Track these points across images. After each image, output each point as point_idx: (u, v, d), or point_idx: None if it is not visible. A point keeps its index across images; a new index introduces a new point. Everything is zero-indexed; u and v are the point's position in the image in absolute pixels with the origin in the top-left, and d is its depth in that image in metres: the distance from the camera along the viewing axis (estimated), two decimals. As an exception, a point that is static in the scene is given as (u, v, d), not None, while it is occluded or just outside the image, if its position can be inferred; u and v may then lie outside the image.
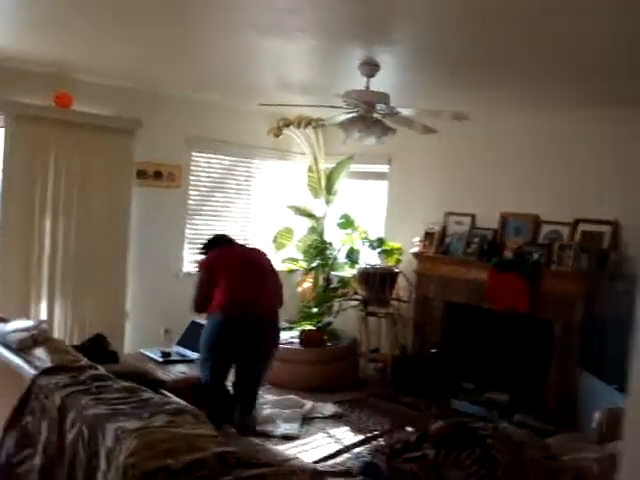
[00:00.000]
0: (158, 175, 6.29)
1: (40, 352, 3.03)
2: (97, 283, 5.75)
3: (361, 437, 5.02)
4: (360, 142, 4.46)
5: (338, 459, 4.59)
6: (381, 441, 4.97)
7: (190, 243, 6.69)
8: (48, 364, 2.86)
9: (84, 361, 2.95)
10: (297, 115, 6.23)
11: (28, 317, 5.29)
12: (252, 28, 3.76)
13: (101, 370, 2.90)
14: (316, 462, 4.50)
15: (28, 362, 2.98)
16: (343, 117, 4.60)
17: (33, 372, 2.79)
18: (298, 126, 6.24)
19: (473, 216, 6.27)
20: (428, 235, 6.48)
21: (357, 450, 4.76)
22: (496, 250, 5.93)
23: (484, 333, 6.04)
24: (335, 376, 6.17)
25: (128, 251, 6.00)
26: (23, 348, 3.10)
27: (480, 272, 5.85)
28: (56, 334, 5.47)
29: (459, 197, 6.38)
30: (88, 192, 5.65)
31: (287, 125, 6.29)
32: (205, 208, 6.83)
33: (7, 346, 3.17)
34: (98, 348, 4.25)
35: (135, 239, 6.10)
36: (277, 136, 6.41)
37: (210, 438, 2.16)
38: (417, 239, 6.46)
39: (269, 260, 4.76)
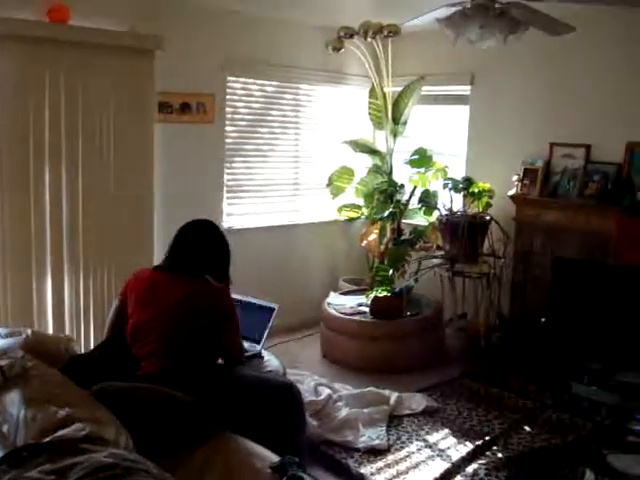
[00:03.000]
0: (186, 108, 4.98)
1: (12, 401, 1.78)
2: (116, 247, 4.50)
3: (470, 446, 3.79)
4: (477, 45, 3.08)
5: (450, 485, 3.39)
6: (497, 450, 3.75)
7: (230, 192, 5.40)
8: (19, 437, 1.62)
9: (79, 425, 1.68)
10: (363, 22, 4.81)
11: (30, 298, 4.16)
12: None
13: (113, 447, 1.63)
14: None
15: (-13, 428, 1.75)
16: (444, 11, 3.23)
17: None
18: (365, 36, 4.83)
19: (588, 147, 4.88)
20: (528, 172, 5.13)
21: (471, 469, 3.54)
22: (625, 191, 4.58)
23: (608, 297, 4.74)
24: (417, 354, 4.93)
25: (153, 205, 4.74)
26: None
27: (603, 219, 4.63)
28: (66, 318, 4.30)
29: (568, 123, 4.97)
30: (96, 132, 4.35)
31: (350, 35, 4.88)
32: (246, 147, 5.50)
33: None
34: (121, 350, 2.98)
35: (161, 189, 4.83)
36: (337, 50, 4.99)
37: None
38: (515, 178, 5.12)
39: None
